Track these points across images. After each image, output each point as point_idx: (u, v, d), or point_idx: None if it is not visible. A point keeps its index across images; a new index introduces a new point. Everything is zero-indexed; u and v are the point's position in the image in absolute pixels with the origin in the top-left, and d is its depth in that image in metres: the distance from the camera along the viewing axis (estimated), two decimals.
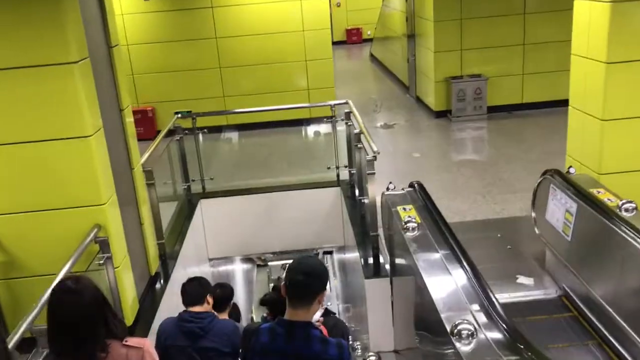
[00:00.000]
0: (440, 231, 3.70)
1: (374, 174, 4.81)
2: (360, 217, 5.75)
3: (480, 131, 9.66)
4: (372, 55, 17.22)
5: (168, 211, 5.95)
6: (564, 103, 5.45)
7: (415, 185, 4.49)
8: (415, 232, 3.75)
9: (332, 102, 6.71)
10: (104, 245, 3.68)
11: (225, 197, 6.66)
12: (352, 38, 20.31)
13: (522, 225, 5.60)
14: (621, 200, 3.85)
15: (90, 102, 3.61)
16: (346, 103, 6.45)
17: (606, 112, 4.57)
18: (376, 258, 4.95)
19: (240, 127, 9.77)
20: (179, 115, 6.44)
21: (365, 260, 5.00)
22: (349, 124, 6.26)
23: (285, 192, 6.69)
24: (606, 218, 3.75)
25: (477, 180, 7.43)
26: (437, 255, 3.44)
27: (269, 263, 10.32)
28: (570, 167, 4.60)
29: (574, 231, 4.16)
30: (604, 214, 3.78)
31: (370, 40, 18.29)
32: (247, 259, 8.81)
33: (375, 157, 4.76)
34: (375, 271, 4.82)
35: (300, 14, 9.78)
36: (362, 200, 5.77)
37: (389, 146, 8.85)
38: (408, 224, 3.81)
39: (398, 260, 4.34)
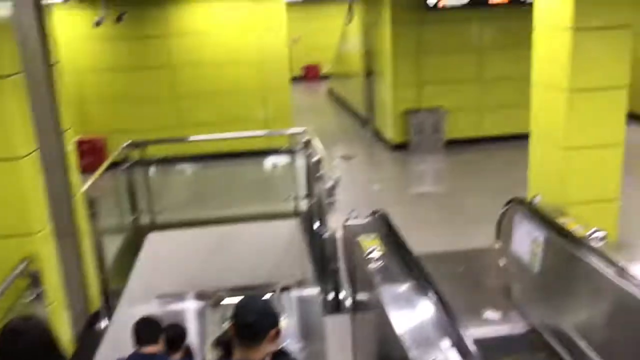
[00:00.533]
0: (405, 262, 3.47)
1: (334, 202, 4.58)
2: (320, 250, 5.48)
3: (439, 164, 9.61)
4: (330, 91, 17.23)
5: (113, 244, 5.55)
6: (522, 137, 5.38)
7: (378, 214, 4.28)
8: (379, 263, 3.52)
9: (291, 130, 6.51)
10: (35, 279, 3.31)
11: (176, 230, 6.30)
12: (310, 75, 20.36)
13: (485, 257, 5.43)
14: (590, 229, 3.72)
15: (23, 120, 3.29)
16: (304, 132, 6.26)
17: (568, 140, 4.51)
18: (336, 293, 4.69)
19: (196, 159, 9.42)
20: (129, 142, 6.09)
21: (325, 296, 4.73)
22: (307, 152, 6.05)
23: (241, 224, 6.38)
24: (576, 248, 3.61)
25: (437, 212, 7.29)
26: (402, 288, 3.21)
27: (222, 303, 9.86)
28: (535, 196, 4.48)
29: (542, 262, 4.00)
30: (573, 244, 3.64)
31: (328, 77, 18.34)
32: (199, 296, 8.35)
33: (336, 184, 4.54)
34: (335, 307, 4.55)
35: (258, 44, 9.62)
36: (321, 233, 5.52)
37: (347, 178, 8.66)
38: (371, 255, 3.58)
39: (360, 295, 4.08)
